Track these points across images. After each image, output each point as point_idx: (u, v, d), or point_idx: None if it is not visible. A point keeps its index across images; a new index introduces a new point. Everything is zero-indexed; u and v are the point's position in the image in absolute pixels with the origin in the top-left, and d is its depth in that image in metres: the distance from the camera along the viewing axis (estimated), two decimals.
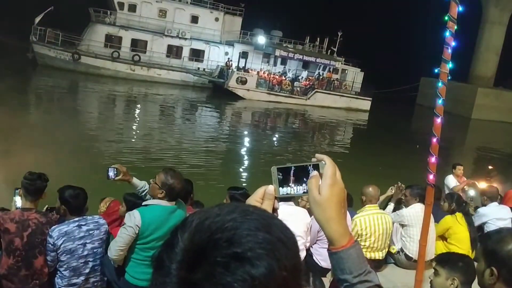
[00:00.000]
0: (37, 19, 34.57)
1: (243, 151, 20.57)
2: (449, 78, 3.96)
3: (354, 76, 42.64)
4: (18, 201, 4.39)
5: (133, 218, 3.85)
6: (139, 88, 34.47)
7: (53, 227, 4.13)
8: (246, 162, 17.85)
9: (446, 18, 3.85)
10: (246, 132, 25.69)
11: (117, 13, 38.56)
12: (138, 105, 29.64)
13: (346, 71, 43.35)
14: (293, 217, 5.15)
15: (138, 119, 25.16)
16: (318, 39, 44.45)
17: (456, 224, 5.84)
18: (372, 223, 5.42)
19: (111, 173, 4.25)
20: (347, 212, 4.27)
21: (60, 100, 25.39)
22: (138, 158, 15.74)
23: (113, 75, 36.20)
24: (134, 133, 20.95)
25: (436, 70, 3.99)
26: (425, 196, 4.73)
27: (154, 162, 15.07)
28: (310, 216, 5.42)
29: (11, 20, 27.93)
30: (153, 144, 18.49)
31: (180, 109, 30.42)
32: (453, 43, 3.90)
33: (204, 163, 16.29)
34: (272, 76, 38.76)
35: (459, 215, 5.88)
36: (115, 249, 3.96)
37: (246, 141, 23.34)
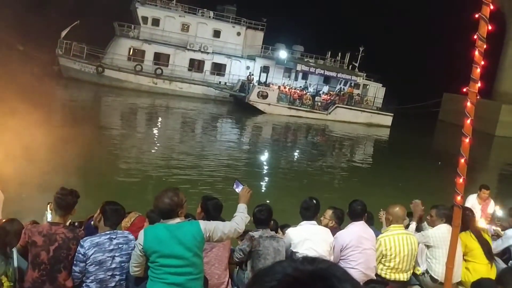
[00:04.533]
0: (63, 33, 35.34)
1: (263, 165, 20.57)
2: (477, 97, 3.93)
3: (376, 91, 42.46)
4: (49, 215, 4.47)
5: (139, 237, 3.92)
6: (161, 101, 34.84)
7: (85, 238, 4.21)
8: (266, 177, 17.83)
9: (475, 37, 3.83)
10: (266, 147, 25.69)
11: (140, 27, 39.18)
12: (160, 118, 29.93)
13: (368, 86, 43.21)
14: (317, 237, 5.13)
15: (159, 132, 25.38)
16: (340, 54, 44.50)
17: (470, 241, 5.76)
18: (397, 244, 5.35)
19: (238, 188, 4.41)
20: (371, 229, 4.23)
21: (84, 112, 25.78)
22: (159, 170, 15.86)
23: (136, 88, 36.68)
24: (155, 146, 21.13)
25: (464, 89, 3.97)
26: (451, 216, 4.67)
27: (175, 175, 15.18)
28: (333, 235, 5.39)
29: (39, 34, 28.52)
30: (173, 157, 18.62)
31: (201, 123, 30.61)
32: (482, 62, 3.87)
33: (224, 177, 16.32)
34: (293, 90, 38.83)
35: (468, 231, 5.81)
36: (131, 266, 4.08)
37: (266, 155, 23.34)
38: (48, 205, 4.64)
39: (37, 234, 4.18)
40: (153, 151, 19.77)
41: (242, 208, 4.20)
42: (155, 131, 25.66)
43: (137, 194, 11.15)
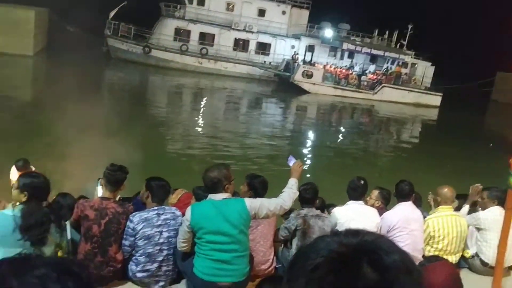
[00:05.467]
0: (112, 14, 35.98)
1: (307, 144, 20.49)
2: None
3: (424, 70, 41.21)
4: (99, 190, 4.62)
5: (186, 213, 3.97)
6: (206, 81, 35.10)
7: (134, 213, 4.34)
8: (310, 156, 17.76)
9: None
10: (310, 126, 25.53)
11: (186, 7, 39.38)
12: (205, 98, 30.21)
13: (416, 65, 41.99)
14: (363, 217, 5.08)
15: (204, 111, 25.64)
16: (387, 32, 43.28)
17: None
18: (445, 225, 5.22)
19: (291, 162, 4.39)
20: (419, 210, 4.14)
21: (131, 91, 26.32)
22: (204, 148, 16.08)
23: (181, 68, 37.06)
24: (200, 124, 21.39)
25: None
26: (504, 199, 4.51)
27: (220, 153, 15.34)
28: (380, 215, 5.32)
29: (88, 15, 29.22)
30: (218, 135, 18.80)
31: (245, 102, 30.70)
32: None
33: (268, 156, 16.37)
34: (338, 70, 38.23)
35: None
36: (178, 241, 4.16)
37: (310, 135, 23.21)
38: (99, 181, 4.80)
39: (89, 208, 4.33)
40: (198, 129, 20.03)
41: (292, 183, 4.18)
42: (200, 110, 25.93)
43: (182, 172, 11.35)
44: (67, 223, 4.48)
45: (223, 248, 3.84)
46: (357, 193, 5.22)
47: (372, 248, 0.93)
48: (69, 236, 4.40)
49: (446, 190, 5.32)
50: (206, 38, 39.36)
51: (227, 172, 3.95)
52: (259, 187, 4.77)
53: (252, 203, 3.92)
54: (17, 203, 3.98)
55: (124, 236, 4.34)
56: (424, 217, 5.42)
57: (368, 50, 40.25)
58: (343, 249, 0.93)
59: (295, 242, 4.81)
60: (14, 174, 6.70)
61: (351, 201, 5.20)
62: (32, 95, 21.63)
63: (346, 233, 0.99)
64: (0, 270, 1.01)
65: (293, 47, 40.73)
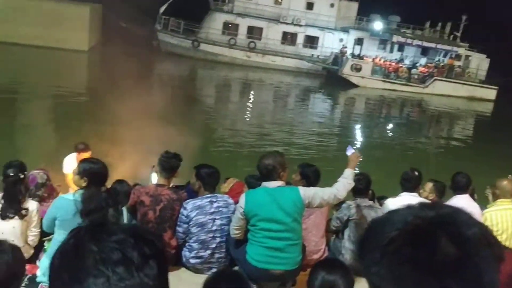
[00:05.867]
0: (162, 9, 36.61)
1: (356, 137, 20.23)
2: None
3: (479, 63, 39.73)
4: (154, 177, 4.73)
5: (240, 200, 4.00)
6: (254, 74, 35.19)
7: (187, 200, 4.41)
8: (358, 148, 17.49)
9: None
10: (359, 120, 25.18)
11: (234, 1, 39.56)
12: (253, 91, 30.32)
13: (470, 58, 40.50)
14: None
15: (252, 104, 25.76)
16: (440, 23, 41.91)
17: None
18: (504, 219, 5.03)
19: (349, 152, 4.35)
20: (476, 204, 4.01)
21: (180, 84, 26.72)
22: (251, 140, 16.17)
23: (229, 62, 37.29)
24: (248, 117, 21.52)
25: None
26: None
27: (267, 145, 15.39)
28: None
29: (140, 10, 29.89)
30: (266, 128, 18.86)
31: (293, 96, 30.60)
32: None
33: (315, 149, 16.29)
34: (388, 63, 37.45)
35: None
36: (231, 228, 4.19)
37: (359, 128, 22.90)
38: (153, 168, 4.90)
39: (145, 194, 4.44)
40: (246, 121, 20.16)
41: (347, 173, 4.14)
42: (248, 103, 26.06)
43: (231, 162, 11.48)
44: (124, 209, 4.62)
45: (276, 235, 3.85)
46: (411, 184, 5.11)
47: (449, 221, 0.90)
48: (125, 221, 4.53)
49: (506, 183, 5.13)
50: (254, 32, 39.42)
51: (282, 159, 3.96)
52: (312, 176, 4.75)
53: (306, 192, 3.91)
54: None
55: (178, 223, 4.42)
56: (482, 210, 5.25)
57: (419, 43, 39.17)
58: (419, 221, 0.90)
59: (347, 233, 4.77)
60: (71, 158, 6.93)
61: (405, 193, 5.10)
62: (88, 87, 22.44)
63: (421, 206, 0.97)
64: (79, 236, 1.04)
65: (341, 40, 40.15)
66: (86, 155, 6.64)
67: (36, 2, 29.36)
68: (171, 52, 36.35)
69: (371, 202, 4.91)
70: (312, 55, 39.84)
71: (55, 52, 27.97)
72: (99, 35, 35.54)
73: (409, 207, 0.98)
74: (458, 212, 0.94)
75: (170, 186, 4.76)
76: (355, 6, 42.01)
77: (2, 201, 4.30)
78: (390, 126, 24.97)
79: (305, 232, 4.48)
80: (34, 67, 24.40)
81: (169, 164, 4.52)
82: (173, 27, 37.71)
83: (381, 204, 5.29)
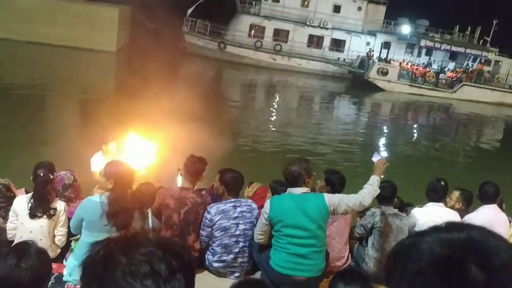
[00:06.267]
0: (189, 11, 36.94)
1: (381, 142, 19.99)
2: None
3: (509, 68, 38.90)
4: (180, 180, 4.77)
5: (265, 206, 3.99)
6: (279, 77, 35.17)
7: (211, 204, 4.43)
8: (383, 154, 17.29)
9: None
10: (384, 125, 24.92)
11: (261, 4, 39.64)
12: (278, 94, 30.30)
13: (500, 63, 39.70)
14: (444, 220, 4.89)
15: (277, 107, 25.73)
16: (469, 28, 41.22)
17: None
18: None
19: (375, 158, 4.32)
20: (504, 214, 3.91)
21: (206, 86, 26.87)
22: (275, 144, 16.15)
23: (255, 64, 37.35)
24: (272, 120, 21.49)
25: None
26: None
27: (291, 149, 15.34)
28: (461, 218, 5.10)
29: (167, 12, 30.17)
30: (289, 133, 18.80)
31: (318, 99, 30.47)
32: None
33: (340, 154, 16.18)
34: (415, 67, 36.98)
35: None
36: (255, 233, 4.20)
37: (385, 133, 22.65)
38: (179, 171, 4.93)
39: (170, 197, 4.47)
40: (270, 125, 20.14)
41: (373, 180, 4.10)
42: (273, 105, 26.05)
43: (254, 166, 11.46)
44: (149, 211, 4.67)
45: (300, 242, 3.84)
46: (437, 194, 5.04)
47: (479, 247, 0.88)
48: (150, 224, 4.58)
49: None
50: (280, 35, 39.42)
51: (307, 166, 3.96)
52: (337, 183, 4.72)
53: (331, 199, 3.89)
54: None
55: (202, 227, 4.44)
56: (510, 221, 5.14)
57: (448, 47, 38.55)
58: (448, 251, 0.88)
59: (371, 241, 4.73)
60: (97, 157, 7.03)
61: (431, 203, 5.03)
62: (115, 87, 22.78)
63: (448, 228, 0.95)
64: (108, 248, 1.06)
65: (368, 43, 39.83)
66: (112, 145, 6.73)
67: (67, 4, 29.99)
68: (197, 54, 36.60)
69: (396, 210, 4.86)
70: (338, 58, 39.61)
71: (85, 53, 28.50)
72: (128, 36, 36.06)
73: (435, 230, 0.96)
74: (489, 236, 0.91)
75: (195, 189, 4.79)
76: (382, 9, 41.65)
77: (31, 201, 4.40)
78: (417, 131, 24.63)
79: (329, 238, 4.46)
80: (64, 67, 24.89)
81: (194, 167, 4.55)
82: (199, 29, 38.01)
83: (407, 212, 5.23)
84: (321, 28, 39.57)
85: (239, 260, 4.44)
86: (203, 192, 4.97)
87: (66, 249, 4.60)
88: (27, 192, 5.03)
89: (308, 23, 39.39)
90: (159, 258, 1.02)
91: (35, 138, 11.70)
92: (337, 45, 40.27)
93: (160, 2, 27.68)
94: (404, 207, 5.90)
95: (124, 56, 32.20)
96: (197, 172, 4.56)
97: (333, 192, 4.40)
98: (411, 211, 5.11)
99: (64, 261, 4.41)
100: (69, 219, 4.47)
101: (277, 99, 28.39)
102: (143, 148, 5.96)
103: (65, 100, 17.15)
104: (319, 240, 3.91)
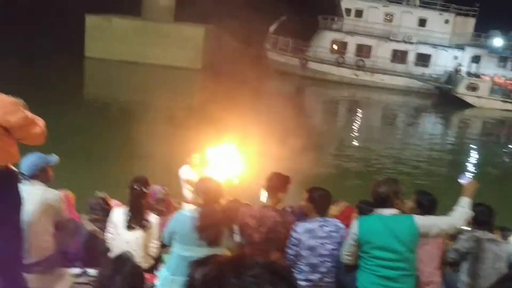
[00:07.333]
0: (272, 28, 37.51)
1: (469, 163, 19.00)
2: None
3: None
4: (263, 197, 4.82)
5: (353, 226, 3.92)
6: (362, 93, 34.66)
7: (298, 223, 4.42)
8: (474, 175, 16.43)
9: None
10: (474, 144, 23.65)
11: (343, 19, 39.42)
12: (360, 110, 29.84)
13: None
14: None
15: (359, 124, 25.33)
16: None
17: None
18: None
19: (463, 179, 4.21)
20: None
21: (288, 102, 27.04)
22: (358, 163, 15.88)
23: (337, 80, 37.11)
24: (355, 138, 21.17)
25: None
26: None
27: (374, 168, 15.01)
28: None
29: (249, 30, 30.94)
30: (373, 150, 18.42)
31: (402, 116, 29.64)
32: None
33: (425, 173, 15.60)
34: (509, 82, 34.92)
35: None
36: (342, 254, 4.12)
37: (475, 153, 21.50)
38: (262, 188, 4.98)
39: (249, 217, 4.50)
40: (353, 142, 19.85)
41: (464, 202, 3.93)
42: (355, 122, 25.68)
43: (337, 184, 11.34)
44: (235, 227, 4.76)
45: (390, 265, 3.74)
46: None
47: None
48: (237, 240, 4.66)
49: None
50: (363, 50, 38.92)
51: (397, 187, 3.86)
52: (428, 206, 4.55)
53: (423, 221, 3.77)
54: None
55: (288, 245, 4.42)
56: None
57: None
58: None
59: (464, 266, 4.50)
60: (186, 168, 7.29)
61: None
62: (201, 103, 23.60)
63: None
64: (220, 268, 1.12)
65: (456, 57, 38.25)
66: (195, 157, 6.98)
67: (158, 25, 31.66)
68: (280, 71, 36.99)
69: (493, 236, 4.59)
70: (424, 73, 38.35)
71: (172, 70, 29.86)
72: (212, 54, 37.27)
73: None
74: None
75: (277, 207, 4.81)
76: (472, 22, 39.90)
77: (128, 213, 4.65)
78: (510, 151, 23.17)
79: (418, 262, 4.30)
80: (154, 84, 26.26)
81: (276, 184, 4.55)
82: (282, 46, 38.47)
83: (504, 237, 4.93)
84: (406, 42, 38.60)
85: (326, 279, 4.39)
86: (287, 210, 4.99)
87: (158, 261, 4.80)
88: (121, 204, 5.34)
89: (391, 38, 38.60)
90: (268, 280, 1.06)
91: (129, 152, 12.37)
92: (423, 59, 39.04)
93: (243, 21, 28.39)
94: (500, 230, 5.58)
95: (209, 73, 33.26)
96: (279, 189, 4.56)
97: (423, 214, 4.25)
98: (510, 238, 4.82)
99: (156, 272, 4.61)
100: (160, 232, 4.68)
101: (360, 115, 27.96)
102: (231, 159, 6.11)
103: (156, 116, 18.09)
104: (410, 263, 3.78)
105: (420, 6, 39.82)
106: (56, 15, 37.36)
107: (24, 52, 26.72)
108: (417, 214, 4.23)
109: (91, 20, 31.85)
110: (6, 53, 23.24)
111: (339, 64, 37.72)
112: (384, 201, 3.83)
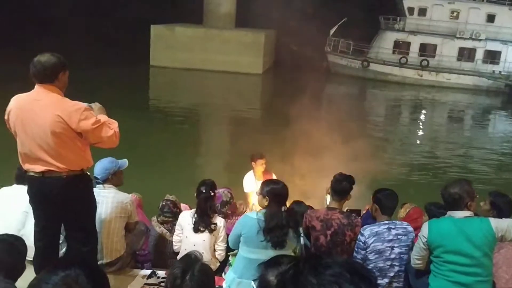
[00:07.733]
0: (332, 31, 37.23)
1: None
2: None
3: None
4: (328, 199, 4.78)
5: (423, 229, 3.80)
6: (426, 93, 33.58)
7: (365, 226, 4.36)
8: None
9: None
10: None
11: (406, 19, 38.39)
12: (424, 111, 28.96)
13: None
14: None
15: (423, 125, 24.61)
16: None
17: None
18: None
19: None
20: None
21: (350, 104, 26.70)
22: (423, 164, 15.40)
23: (400, 81, 36.20)
24: (419, 139, 20.63)
25: None
26: None
27: (440, 170, 14.49)
28: None
29: (309, 33, 30.85)
30: (438, 152, 17.80)
31: (470, 116, 28.43)
32: None
33: (497, 173, 14.90)
34: None
35: None
36: (412, 258, 4.02)
37: None
38: (327, 190, 4.94)
39: (315, 219, 4.47)
40: (417, 144, 19.34)
41: None
42: (420, 124, 24.96)
43: (403, 186, 11.03)
44: (300, 229, 4.75)
45: (463, 270, 3.59)
46: None
47: None
48: (302, 242, 4.65)
49: None
50: (427, 49, 37.70)
51: (469, 188, 3.70)
52: (504, 208, 4.34)
53: (499, 224, 3.61)
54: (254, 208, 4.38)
55: (356, 249, 4.37)
56: None
57: None
58: None
59: None
60: (249, 177, 7.34)
61: None
62: (264, 107, 23.88)
63: None
64: (298, 267, 1.12)
65: None
66: (261, 162, 7.02)
67: (219, 32, 32.29)
68: (341, 73, 36.62)
69: None
70: (493, 71, 36.60)
71: (234, 76, 30.34)
72: (272, 58, 37.48)
73: None
74: None
75: (343, 209, 4.75)
76: None
77: (195, 216, 4.75)
78: None
79: (495, 267, 4.11)
80: (217, 90, 26.86)
81: (340, 186, 4.51)
82: (342, 48, 38.07)
83: None
84: (473, 39, 37.01)
85: (394, 284, 4.28)
86: (353, 214, 4.91)
87: (224, 263, 4.87)
88: (189, 208, 5.47)
89: (458, 36, 37.14)
90: (347, 280, 1.04)
91: (194, 157, 12.65)
92: (492, 57, 37.28)
93: (303, 24, 28.35)
94: None
95: (270, 78, 33.50)
96: (343, 191, 4.51)
97: (499, 217, 4.06)
98: None
99: (223, 274, 4.67)
100: (226, 234, 4.74)
101: (424, 116, 27.14)
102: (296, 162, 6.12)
103: (220, 121, 18.41)
104: (485, 269, 3.62)
105: (488, 1, 38.09)
106: (123, 27, 39.38)
107: (93, 62, 27.96)
108: (492, 216, 4.05)
109: (156, 30, 32.91)
110: (79, 62, 24.51)
111: (401, 64, 36.78)
112: (456, 203, 3.69)
